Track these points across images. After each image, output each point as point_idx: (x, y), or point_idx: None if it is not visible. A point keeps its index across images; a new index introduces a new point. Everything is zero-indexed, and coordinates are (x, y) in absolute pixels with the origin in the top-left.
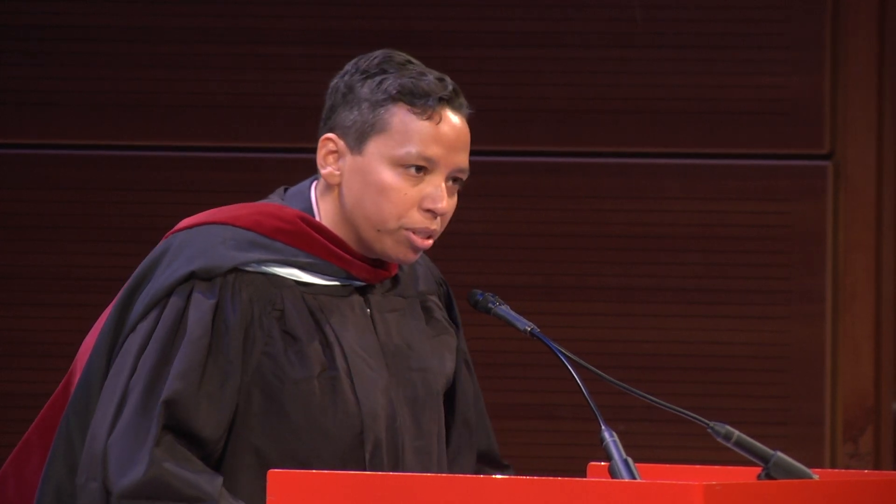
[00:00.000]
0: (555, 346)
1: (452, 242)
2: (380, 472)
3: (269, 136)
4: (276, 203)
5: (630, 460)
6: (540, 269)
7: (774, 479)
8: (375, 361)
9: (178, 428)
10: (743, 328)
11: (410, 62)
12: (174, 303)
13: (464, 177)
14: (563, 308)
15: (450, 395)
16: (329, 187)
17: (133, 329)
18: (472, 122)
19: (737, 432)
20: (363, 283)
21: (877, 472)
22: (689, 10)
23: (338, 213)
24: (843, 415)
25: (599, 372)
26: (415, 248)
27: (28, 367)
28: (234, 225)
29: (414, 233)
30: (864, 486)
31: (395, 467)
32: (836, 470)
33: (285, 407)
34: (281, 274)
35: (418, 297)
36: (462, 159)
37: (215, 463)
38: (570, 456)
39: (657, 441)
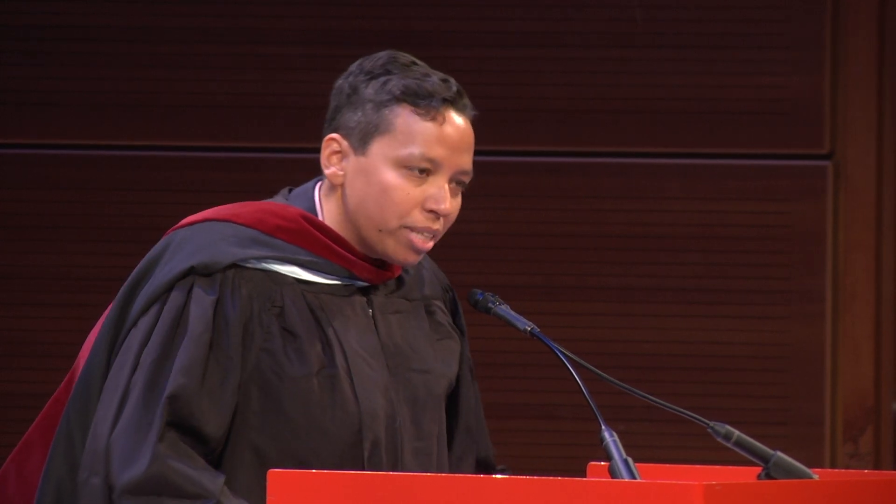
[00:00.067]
0: (555, 346)
1: (452, 242)
2: (380, 472)
3: (269, 136)
4: (278, 202)
5: (630, 460)
6: (540, 269)
7: (774, 478)
8: (376, 361)
9: (181, 424)
10: (743, 328)
11: (415, 63)
12: (175, 298)
13: (467, 179)
14: (563, 308)
15: (453, 401)
16: (332, 187)
17: (134, 324)
18: (472, 122)
19: (737, 432)
20: (366, 284)
21: (877, 472)
22: (689, 10)
23: (341, 212)
24: (843, 415)
25: (599, 372)
26: (416, 250)
27: (28, 367)
28: (235, 222)
29: (416, 233)
30: (864, 486)
31: (395, 467)
32: (836, 470)
33: (283, 404)
34: (281, 271)
35: (423, 300)
36: (466, 161)
37: (216, 461)
38: (570, 456)
39: (657, 441)
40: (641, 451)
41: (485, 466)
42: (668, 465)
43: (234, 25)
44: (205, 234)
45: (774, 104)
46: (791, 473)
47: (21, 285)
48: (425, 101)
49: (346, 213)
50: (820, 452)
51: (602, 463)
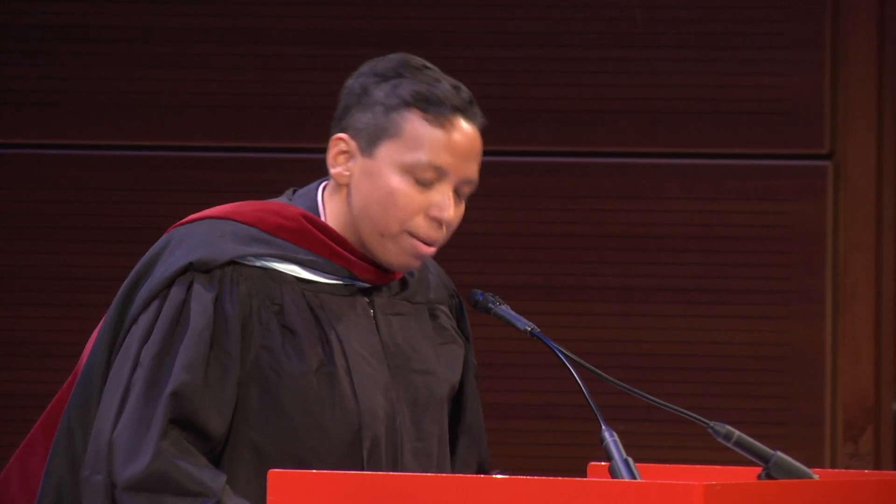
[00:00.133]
0: (555, 346)
1: (452, 242)
2: (380, 472)
3: (269, 136)
4: (281, 202)
5: (630, 460)
6: (540, 269)
7: (775, 478)
8: (376, 360)
9: (184, 421)
10: (743, 328)
11: (427, 67)
12: (175, 293)
13: (471, 188)
14: (563, 308)
15: (457, 405)
16: (337, 187)
17: (134, 322)
18: (481, 130)
19: (737, 432)
20: (367, 285)
21: (877, 472)
22: (689, 10)
23: (344, 213)
24: (843, 415)
25: (599, 372)
26: (417, 255)
27: (28, 367)
28: (235, 220)
29: (417, 239)
30: (865, 486)
31: (394, 467)
32: (837, 470)
33: (282, 401)
34: (280, 269)
35: (427, 304)
36: (472, 170)
37: (216, 460)
38: (570, 456)
39: (657, 441)
40: (641, 451)
41: (481, 472)
42: (668, 466)
43: (234, 25)
44: (204, 230)
45: (774, 104)
46: (791, 473)
47: (21, 285)
48: (435, 108)
49: (350, 214)
50: (820, 452)
51: (602, 463)
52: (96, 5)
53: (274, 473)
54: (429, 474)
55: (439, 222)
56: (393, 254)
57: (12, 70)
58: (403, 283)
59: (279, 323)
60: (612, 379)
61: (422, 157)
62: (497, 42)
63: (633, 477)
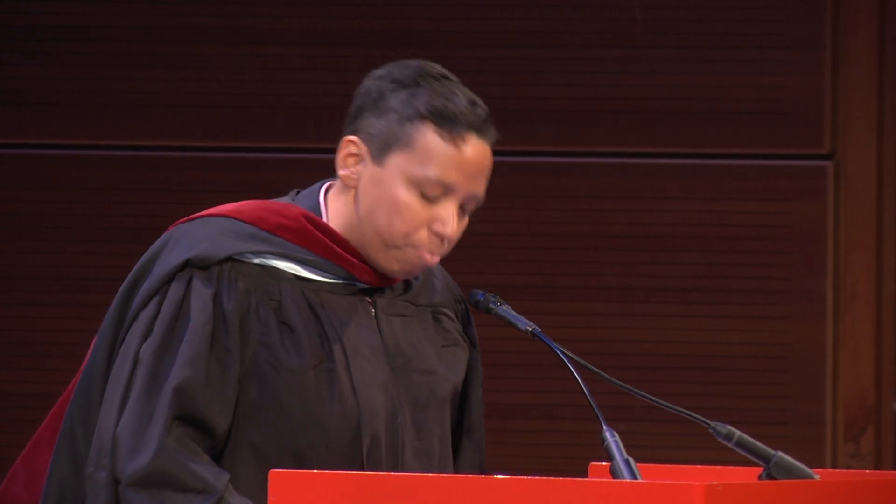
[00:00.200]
0: (556, 346)
1: None
2: (380, 472)
3: (269, 136)
4: (283, 202)
5: (631, 460)
6: (540, 269)
7: (775, 479)
8: (377, 359)
9: (188, 417)
10: (743, 328)
11: (446, 77)
12: (175, 289)
13: (476, 204)
14: (564, 308)
15: (462, 410)
16: (344, 189)
17: (135, 319)
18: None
19: (738, 432)
20: (368, 286)
21: (878, 472)
22: (689, 10)
23: (348, 215)
24: (843, 415)
25: (600, 372)
26: (418, 265)
27: (28, 367)
28: (236, 218)
29: (421, 251)
30: (865, 486)
31: (395, 465)
32: (837, 470)
33: (280, 398)
34: (279, 267)
35: (430, 307)
36: (480, 187)
37: (216, 459)
38: (571, 456)
39: (658, 441)
40: (642, 451)
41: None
42: (669, 466)
43: (234, 25)
44: (203, 228)
45: (774, 104)
46: (792, 473)
47: (21, 285)
48: (449, 124)
49: (354, 218)
50: (821, 452)
51: (603, 463)
52: (96, 5)
53: (274, 473)
54: (429, 474)
55: (441, 237)
56: (394, 261)
57: (12, 70)
58: (407, 285)
59: (277, 319)
60: (612, 379)
61: (431, 172)
62: (497, 42)
63: (634, 477)
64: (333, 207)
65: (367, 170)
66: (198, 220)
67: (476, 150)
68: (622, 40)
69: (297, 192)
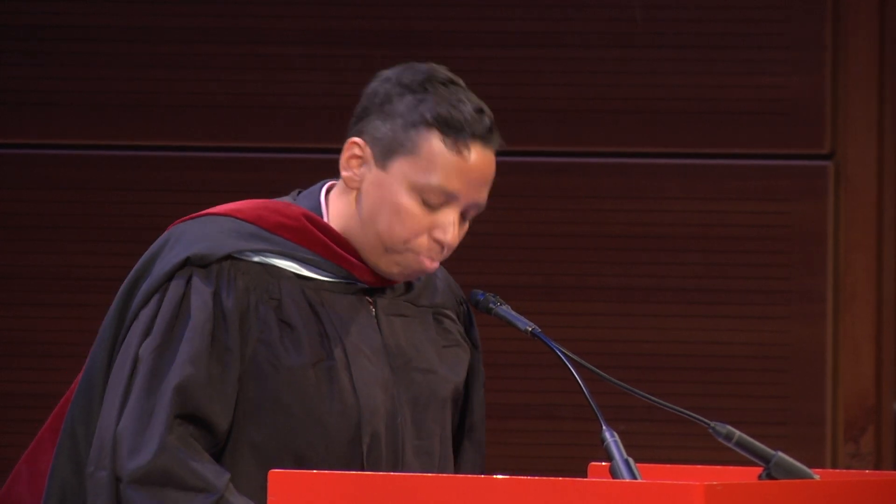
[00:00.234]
0: (556, 346)
1: None
2: (380, 473)
3: (269, 136)
4: (284, 201)
5: (631, 460)
6: (540, 269)
7: (775, 479)
8: (377, 358)
9: (189, 415)
10: (743, 328)
11: (454, 83)
12: (174, 287)
13: (478, 211)
14: (564, 308)
15: (464, 413)
16: (346, 190)
17: (135, 317)
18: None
19: (738, 432)
20: (368, 286)
21: (878, 472)
22: (689, 10)
23: (350, 216)
24: (843, 415)
25: (600, 372)
26: (417, 270)
27: (28, 367)
28: (236, 217)
29: (420, 256)
30: (866, 486)
31: (395, 464)
32: (838, 470)
33: (280, 395)
34: (279, 265)
35: (432, 308)
36: (482, 195)
37: (216, 458)
38: (570, 456)
39: (658, 441)
40: (642, 451)
41: None
42: (668, 466)
43: (234, 25)
44: (203, 226)
45: (774, 104)
46: (792, 474)
47: (21, 285)
48: (455, 133)
49: (356, 218)
50: (821, 452)
51: (603, 463)
52: (96, 5)
53: (274, 474)
54: (429, 474)
55: (441, 244)
56: (393, 265)
57: (12, 70)
58: (408, 286)
59: (277, 317)
60: (612, 379)
61: (434, 180)
62: (497, 42)
63: (634, 477)
64: (335, 207)
65: (371, 173)
66: (198, 218)
67: (480, 159)
68: (622, 40)
69: (299, 192)
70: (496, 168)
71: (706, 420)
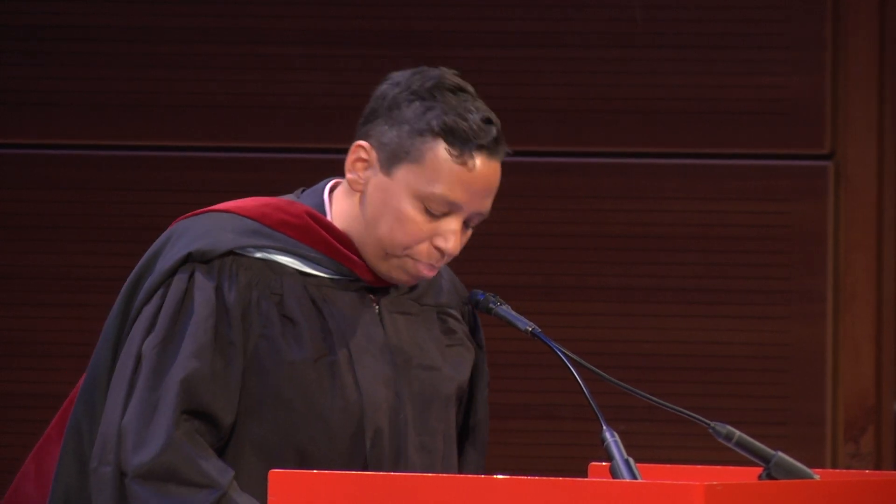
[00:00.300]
0: (556, 346)
1: None
2: (380, 473)
3: (269, 136)
4: (287, 199)
5: (631, 460)
6: (540, 269)
7: (775, 479)
8: (380, 354)
9: (195, 410)
10: (743, 328)
11: (462, 90)
12: (177, 283)
13: (481, 219)
14: (564, 308)
15: (468, 413)
16: (351, 191)
17: (138, 314)
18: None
19: (738, 432)
20: (371, 285)
21: (878, 472)
22: (689, 10)
23: (353, 217)
24: (843, 415)
25: (600, 372)
26: (415, 276)
27: (28, 367)
28: (238, 214)
29: (419, 263)
30: (866, 487)
31: (397, 461)
32: (838, 470)
33: (281, 390)
34: (281, 261)
35: (436, 307)
36: (485, 205)
37: (219, 454)
38: (570, 456)
39: (658, 441)
40: (642, 451)
41: None
42: (669, 466)
43: (234, 25)
44: (205, 223)
45: (775, 104)
46: (792, 474)
47: (21, 285)
48: (460, 144)
49: (360, 220)
50: (821, 452)
51: (603, 463)
52: (96, 5)
53: (274, 474)
54: (429, 475)
55: (441, 252)
56: (392, 270)
57: (12, 70)
58: (413, 285)
59: (279, 313)
60: (612, 379)
61: (437, 189)
62: (497, 42)
63: (634, 477)
64: (338, 207)
65: (375, 177)
66: (200, 215)
67: (484, 169)
68: (622, 40)
69: (303, 190)
70: None
71: (706, 420)
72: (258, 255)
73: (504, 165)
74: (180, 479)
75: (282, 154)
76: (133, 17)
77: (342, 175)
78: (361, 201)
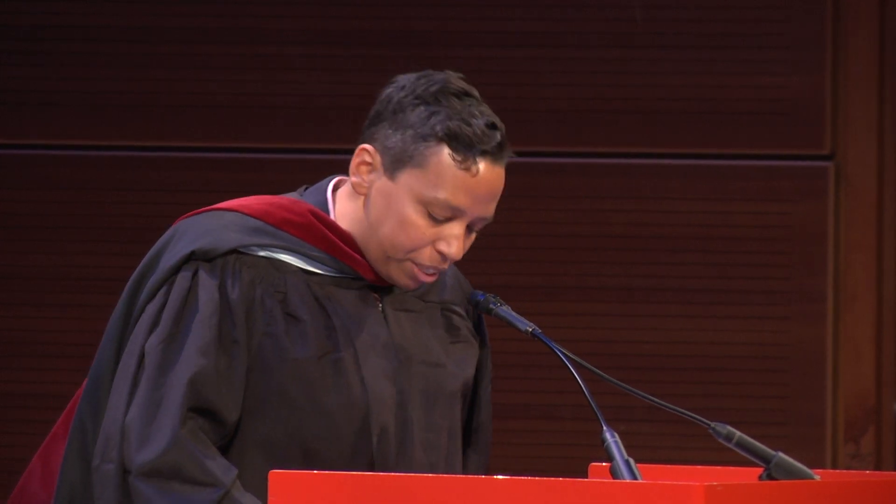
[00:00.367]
0: (556, 346)
1: None
2: (380, 473)
3: (269, 136)
4: (290, 197)
5: (631, 461)
6: (540, 269)
7: (776, 479)
8: (384, 351)
9: (200, 408)
10: (744, 328)
11: (468, 95)
12: (180, 281)
13: (484, 224)
14: (564, 308)
15: (472, 409)
16: (355, 193)
17: (142, 312)
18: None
19: (738, 433)
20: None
21: (878, 472)
22: (689, 10)
23: (357, 219)
24: (844, 415)
25: (600, 372)
26: (417, 280)
27: (28, 367)
28: (242, 212)
29: (420, 268)
30: (866, 487)
31: (402, 458)
32: (838, 470)
33: (286, 388)
34: (285, 260)
35: (440, 304)
36: (489, 210)
37: (225, 451)
38: (571, 456)
39: (658, 441)
40: (643, 451)
41: None
42: (669, 466)
43: (234, 25)
44: (209, 221)
45: (775, 104)
46: (792, 474)
47: (21, 285)
48: (464, 149)
49: (363, 222)
50: (821, 453)
51: (603, 464)
52: (96, 5)
53: (274, 474)
54: (429, 475)
55: (444, 256)
56: (394, 273)
57: (12, 70)
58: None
59: (283, 311)
60: (612, 379)
61: (441, 195)
62: (497, 42)
63: (635, 478)
64: (342, 206)
65: (379, 181)
66: (203, 213)
67: (488, 174)
68: (622, 40)
69: (306, 188)
70: None
71: (706, 420)
72: (261, 253)
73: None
74: (184, 477)
75: (282, 154)
76: (133, 17)
77: (343, 173)
78: (365, 204)
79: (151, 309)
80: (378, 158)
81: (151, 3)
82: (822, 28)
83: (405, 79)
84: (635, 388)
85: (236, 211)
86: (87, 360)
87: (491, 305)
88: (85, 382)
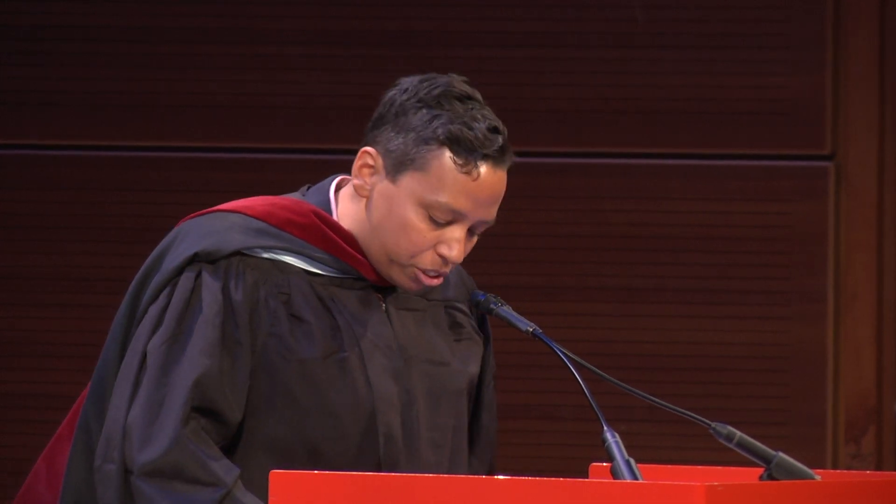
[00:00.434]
0: (556, 346)
1: None
2: (380, 473)
3: (269, 136)
4: (293, 198)
5: (632, 461)
6: (541, 269)
7: (776, 479)
8: (389, 350)
9: (203, 408)
10: (744, 328)
11: (470, 98)
12: (184, 282)
13: (486, 227)
14: (565, 308)
15: (477, 407)
16: (357, 196)
17: (145, 312)
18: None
19: (738, 433)
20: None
21: (879, 472)
22: (689, 10)
23: (360, 221)
24: (844, 415)
25: (601, 372)
26: (419, 283)
27: (28, 367)
28: (245, 213)
29: (423, 272)
30: (866, 487)
31: (409, 456)
32: (838, 471)
33: (292, 388)
34: (288, 261)
35: (443, 302)
36: (490, 213)
37: (228, 453)
38: (571, 456)
39: (659, 442)
40: (643, 451)
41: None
42: (669, 466)
43: (234, 25)
44: (212, 222)
45: (775, 104)
46: (793, 474)
47: (21, 285)
48: (466, 153)
49: (366, 224)
50: (821, 453)
51: (604, 464)
52: (96, 5)
53: (275, 474)
54: (429, 475)
55: (445, 260)
56: (396, 275)
57: (12, 70)
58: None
59: (287, 312)
60: (613, 379)
61: (442, 198)
62: (497, 42)
63: (635, 478)
64: (344, 207)
65: (381, 184)
66: (207, 215)
67: (489, 178)
68: (622, 40)
69: (308, 187)
70: None
71: (707, 420)
72: (265, 255)
73: None
74: (186, 477)
75: (282, 154)
76: (133, 17)
77: (344, 173)
78: (367, 207)
79: (154, 309)
80: (380, 161)
81: (151, 3)
82: (822, 28)
83: (408, 81)
84: (635, 388)
85: (239, 212)
86: (86, 360)
87: (492, 305)
88: (90, 383)
